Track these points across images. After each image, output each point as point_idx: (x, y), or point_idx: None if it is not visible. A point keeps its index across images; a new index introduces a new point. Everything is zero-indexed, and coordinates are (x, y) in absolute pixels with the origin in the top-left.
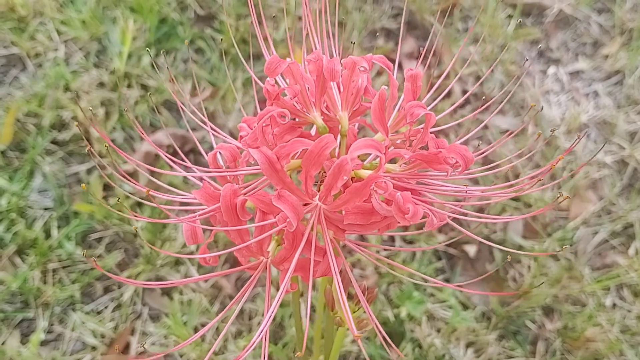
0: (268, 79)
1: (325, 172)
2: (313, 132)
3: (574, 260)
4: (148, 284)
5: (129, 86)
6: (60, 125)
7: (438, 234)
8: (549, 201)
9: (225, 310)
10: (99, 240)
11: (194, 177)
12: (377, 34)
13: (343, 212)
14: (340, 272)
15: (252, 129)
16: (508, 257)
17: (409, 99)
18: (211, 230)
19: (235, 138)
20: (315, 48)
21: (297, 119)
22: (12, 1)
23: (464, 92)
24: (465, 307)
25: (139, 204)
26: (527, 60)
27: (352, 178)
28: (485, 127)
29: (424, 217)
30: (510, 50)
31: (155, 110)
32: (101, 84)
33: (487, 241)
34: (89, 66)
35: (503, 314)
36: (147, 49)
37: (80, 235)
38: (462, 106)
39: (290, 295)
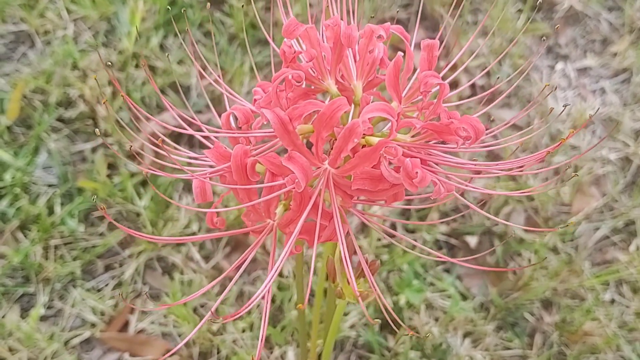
0: (285, 40)
1: (335, 138)
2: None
3: (574, 254)
4: (167, 239)
5: (136, 66)
6: (67, 102)
7: (440, 224)
8: (551, 195)
9: (226, 291)
10: (102, 218)
11: (204, 136)
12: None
13: (351, 179)
14: (345, 237)
15: (266, 93)
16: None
17: (424, 68)
18: (220, 191)
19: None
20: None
21: (311, 86)
22: None
23: (472, 84)
24: (464, 297)
25: (143, 183)
26: (533, 63)
27: (362, 145)
28: (491, 119)
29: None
30: (519, 45)
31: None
32: (109, 63)
33: (489, 233)
34: (97, 45)
35: (502, 305)
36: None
37: (84, 212)
38: (468, 97)
39: (289, 280)
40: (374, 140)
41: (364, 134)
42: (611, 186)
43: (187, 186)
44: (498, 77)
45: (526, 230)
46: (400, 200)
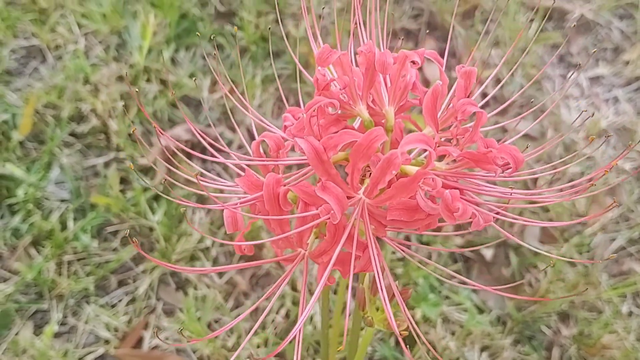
0: (319, 68)
1: (369, 167)
2: (356, 125)
3: (590, 266)
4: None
5: (147, 80)
6: (79, 117)
7: (455, 236)
8: (567, 206)
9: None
10: (115, 233)
11: (234, 164)
12: (401, 37)
13: (386, 208)
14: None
15: (296, 119)
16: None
17: (460, 96)
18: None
19: (252, 136)
20: (363, 42)
21: (342, 112)
22: None
23: (484, 94)
24: (480, 310)
25: (156, 198)
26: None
27: (397, 175)
28: (505, 130)
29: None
30: (531, 54)
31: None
32: (120, 78)
33: (504, 245)
34: (108, 59)
35: (519, 318)
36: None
37: (96, 228)
38: (482, 108)
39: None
40: (411, 169)
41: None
42: (626, 196)
43: (200, 201)
44: (513, 92)
45: (542, 242)
46: (433, 227)
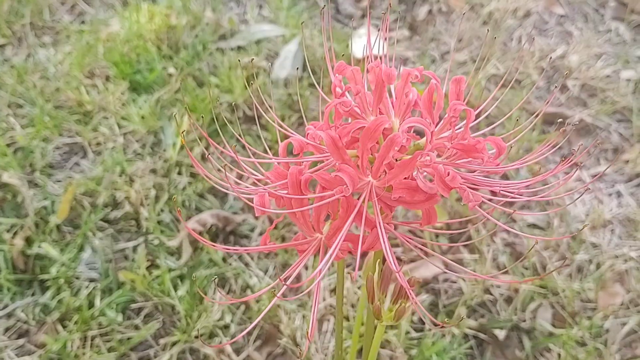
0: (336, 74)
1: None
2: None
3: (603, 349)
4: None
5: (179, 173)
6: (113, 204)
7: (467, 318)
8: (576, 290)
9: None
10: (138, 311)
11: (264, 162)
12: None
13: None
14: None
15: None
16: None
17: (452, 99)
18: (273, 220)
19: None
20: None
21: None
22: (80, 98)
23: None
24: None
25: (181, 277)
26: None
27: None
28: (513, 220)
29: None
30: (537, 153)
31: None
32: (153, 170)
33: (517, 329)
34: (144, 155)
35: None
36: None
37: (122, 306)
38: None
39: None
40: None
41: (403, 147)
42: (635, 282)
43: (221, 282)
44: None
45: (554, 325)
46: (433, 223)
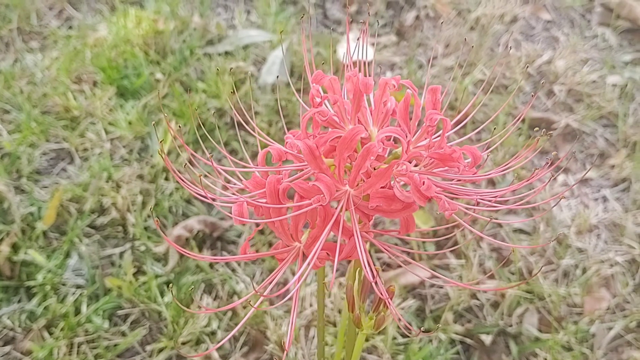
0: (314, 85)
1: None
2: None
3: (589, 354)
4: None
5: (166, 179)
6: (100, 210)
7: (454, 324)
8: (562, 294)
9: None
10: (125, 317)
11: (244, 170)
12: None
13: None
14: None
15: (295, 136)
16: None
17: (429, 108)
18: (255, 223)
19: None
20: None
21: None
22: (67, 103)
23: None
24: None
25: (167, 283)
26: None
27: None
28: (499, 225)
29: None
30: (521, 158)
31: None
32: (140, 176)
33: (504, 334)
34: (131, 160)
35: None
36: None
37: (108, 312)
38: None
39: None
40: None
41: (380, 156)
42: (621, 287)
43: (208, 288)
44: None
45: (540, 330)
46: (411, 231)
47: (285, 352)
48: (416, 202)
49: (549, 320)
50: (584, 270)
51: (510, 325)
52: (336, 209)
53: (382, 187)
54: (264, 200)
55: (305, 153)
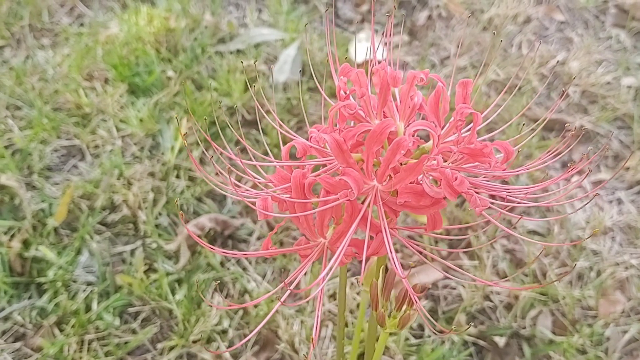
0: (341, 77)
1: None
2: None
3: (604, 357)
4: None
5: (177, 177)
6: (111, 207)
7: (467, 326)
8: (577, 297)
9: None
10: (136, 315)
11: (265, 164)
12: None
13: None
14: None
15: (319, 130)
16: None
17: (459, 102)
18: (274, 225)
19: (271, 227)
20: None
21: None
22: (78, 100)
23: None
24: None
25: (178, 281)
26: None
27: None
28: (513, 227)
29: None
30: (534, 158)
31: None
32: (152, 174)
33: (517, 336)
34: (142, 158)
35: None
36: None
37: (119, 310)
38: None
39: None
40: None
41: (408, 151)
42: (636, 290)
43: (219, 286)
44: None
45: (554, 333)
46: (439, 228)
47: (312, 347)
48: (446, 198)
49: (563, 323)
50: (599, 273)
51: (524, 328)
52: (363, 204)
53: (410, 183)
54: (288, 195)
55: (332, 147)
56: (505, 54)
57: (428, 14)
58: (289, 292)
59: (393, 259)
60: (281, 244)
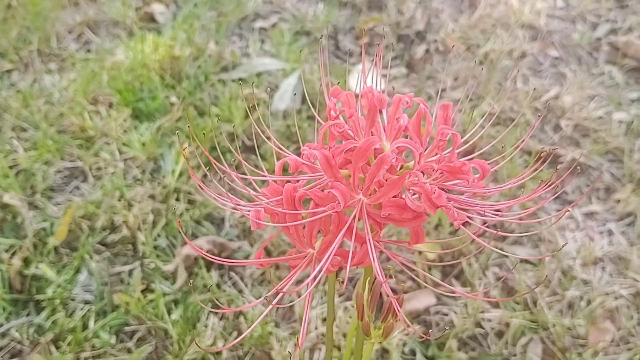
0: (331, 98)
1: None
2: None
3: None
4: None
5: (177, 199)
6: (111, 228)
7: (459, 353)
8: (567, 325)
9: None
10: (132, 334)
11: (260, 179)
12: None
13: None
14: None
15: (311, 148)
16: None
17: (440, 123)
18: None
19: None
20: None
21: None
22: (83, 123)
23: (484, 221)
24: None
25: (175, 302)
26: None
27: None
28: (505, 255)
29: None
30: (527, 190)
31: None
32: (152, 196)
33: None
34: (143, 180)
35: None
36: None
37: (115, 328)
38: (481, 235)
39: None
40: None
41: (392, 167)
42: (625, 320)
43: (215, 308)
44: (511, 224)
45: None
46: (421, 242)
47: (298, 349)
48: (426, 211)
49: (553, 351)
50: (589, 302)
51: (515, 355)
52: (349, 216)
53: (394, 197)
54: (281, 208)
55: (322, 162)
56: (499, 87)
57: (426, 48)
58: (280, 295)
59: (376, 268)
60: (277, 267)
